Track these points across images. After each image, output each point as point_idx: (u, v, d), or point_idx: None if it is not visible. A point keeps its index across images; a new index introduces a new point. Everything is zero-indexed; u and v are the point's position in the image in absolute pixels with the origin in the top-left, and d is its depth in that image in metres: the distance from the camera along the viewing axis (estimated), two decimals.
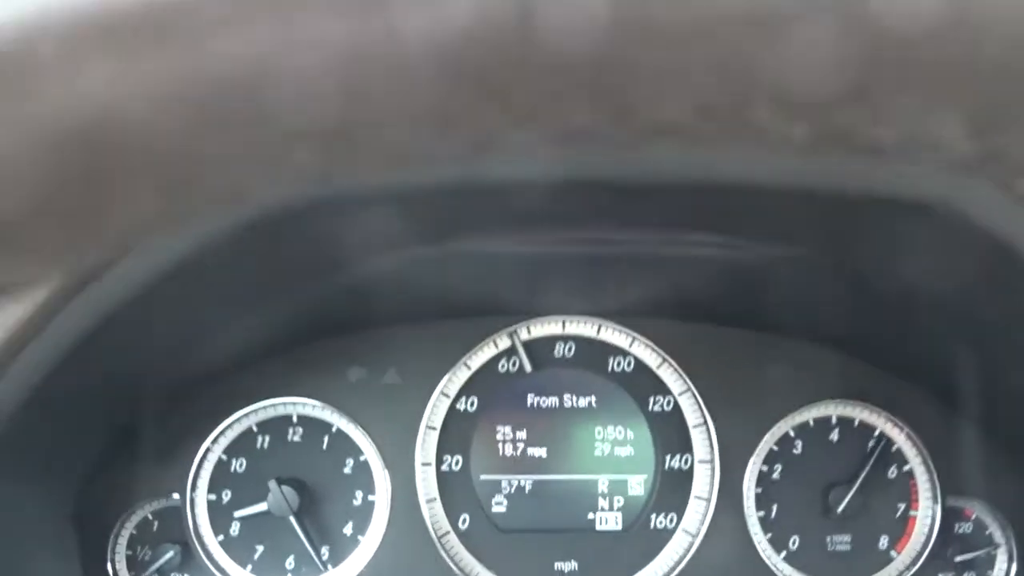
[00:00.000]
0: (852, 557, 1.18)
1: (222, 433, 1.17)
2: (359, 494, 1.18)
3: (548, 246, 1.08)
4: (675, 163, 0.67)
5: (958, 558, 1.17)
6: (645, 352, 1.21)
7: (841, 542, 1.18)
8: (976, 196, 0.69)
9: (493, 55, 0.22)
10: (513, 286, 1.19)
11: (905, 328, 1.12)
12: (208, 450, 1.17)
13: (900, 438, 1.20)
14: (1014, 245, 0.72)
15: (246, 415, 1.18)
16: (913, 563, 1.17)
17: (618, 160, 0.64)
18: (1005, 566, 1.17)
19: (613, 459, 1.21)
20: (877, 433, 1.19)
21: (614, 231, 0.86)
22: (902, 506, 1.19)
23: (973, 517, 1.19)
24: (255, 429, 1.18)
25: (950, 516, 1.18)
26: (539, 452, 1.21)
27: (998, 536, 1.18)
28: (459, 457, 1.20)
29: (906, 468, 1.19)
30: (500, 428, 1.21)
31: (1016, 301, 0.84)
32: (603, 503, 1.20)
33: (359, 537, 1.17)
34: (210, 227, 0.71)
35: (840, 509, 1.16)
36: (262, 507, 1.15)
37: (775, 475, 1.19)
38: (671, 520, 1.20)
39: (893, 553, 1.18)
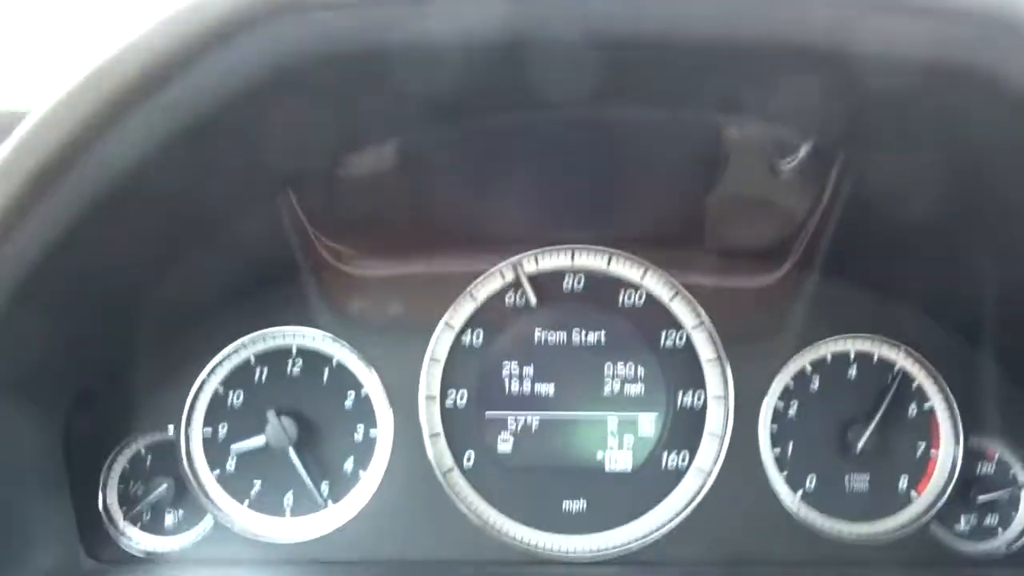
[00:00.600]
0: (870, 497, 1.14)
1: (219, 365, 1.13)
2: (360, 429, 1.14)
3: (560, 170, 1.04)
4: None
5: (980, 499, 1.13)
6: (657, 285, 1.17)
7: (859, 481, 1.14)
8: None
9: None
10: (522, 214, 1.16)
11: (927, 262, 1.08)
12: (204, 382, 1.13)
13: (921, 375, 1.16)
14: None
15: (244, 346, 1.14)
16: (933, 504, 1.13)
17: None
18: None
19: (623, 397, 1.17)
20: (897, 369, 1.15)
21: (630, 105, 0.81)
22: (922, 445, 1.15)
23: (996, 457, 1.15)
24: (253, 361, 1.14)
25: (972, 456, 1.14)
26: (546, 389, 1.17)
27: (1022, 477, 1.14)
28: (464, 392, 1.16)
29: (927, 406, 1.15)
30: (506, 363, 1.16)
31: None
32: (612, 442, 1.16)
33: (360, 473, 1.13)
34: (225, 75, 0.66)
35: (859, 447, 1.12)
36: (260, 440, 1.10)
37: (791, 412, 1.15)
38: (683, 459, 1.15)
39: (913, 494, 1.14)
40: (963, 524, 1.14)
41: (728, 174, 1.08)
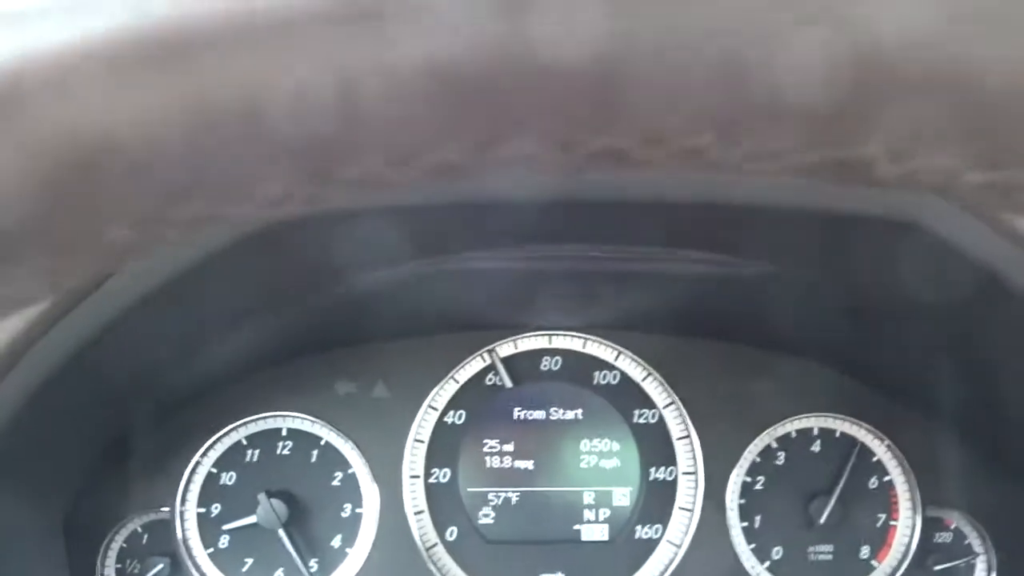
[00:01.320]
0: (834, 566, 1.20)
1: (212, 447, 1.19)
2: (347, 506, 1.19)
3: (538, 263, 1.10)
4: (668, 183, 0.69)
5: (938, 567, 1.19)
6: (630, 366, 1.23)
7: (823, 552, 1.20)
8: (956, 220, 0.72)
9: (488, 71, 0.23)
10: (502, 302, 1.21)
11: (887, 343, 1.14)
12: (198, 463, 1.18)
13: (880, 450, 1.22)
14: (994, 267, 0.75)
15: (235, 429, 1.19)
16: (894, 572, 1.19)
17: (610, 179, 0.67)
18: (984, 573, 1.19)
19: (599, 471, 1.22)
20: (858, 445, 1.22)
21: (604, 247, 0.88)
22: (883, 516, 1.21)
23: (953, 527, 1.21)
24: (245, 443, 1.19)
25: (930, 526, 1.20)
26: (526, 464, 1.22)
27: (977, 546, 1.20)
28: (447, 470, 1.21)
29: (886, 479, 1.21)
30: (487, 441, 1.22)
31: (997, 318, 0.87)
32: (589, 514, 1.22)
33: (347, 549, 1.18)
34: (204, 244, 0.73)
35: (822, 519, 1.18)
36: (251, 520, 1.16)
37: (758, 486, 1.21)
38: (656, 531, 1.21)
39: (874, 562, 1.20)
40: None
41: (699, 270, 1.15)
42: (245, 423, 1.19)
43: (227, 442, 1.19)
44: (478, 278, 1.15)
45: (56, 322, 0.74)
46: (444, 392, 1.21)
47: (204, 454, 1.18)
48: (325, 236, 0.74)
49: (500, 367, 1.20)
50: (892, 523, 1.21)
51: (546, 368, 1.23)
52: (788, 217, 0.74)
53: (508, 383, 1.21)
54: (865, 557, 1.20)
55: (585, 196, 0.70)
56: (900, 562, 1.19)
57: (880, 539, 1.21)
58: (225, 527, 1.17)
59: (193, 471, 1.18)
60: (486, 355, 1.21)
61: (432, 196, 0.67)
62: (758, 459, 1.22)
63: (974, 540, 1.21)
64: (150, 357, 0.91)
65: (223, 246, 0.74)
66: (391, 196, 0.68)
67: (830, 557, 1.20)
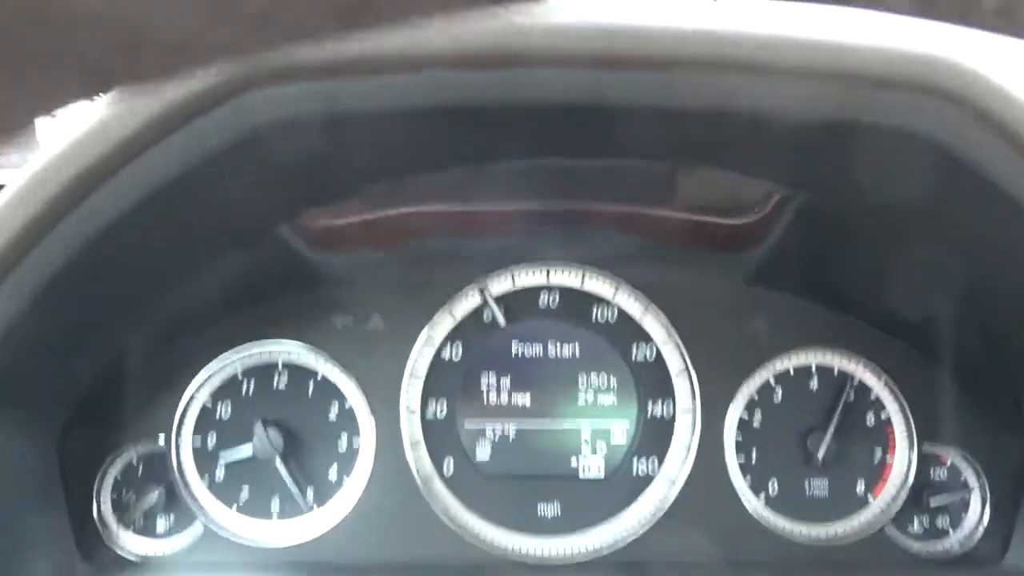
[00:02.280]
0: (830, 501, 1.20)
1: (207, 379, 1.18)
2: (344, 439, 1.19)
3: (535, 191, 1.09)
4: (678, 89, 0.68)
5: (933, 502, 1.19)
6: (628, 302, 1.22)
7: (819, 487, 1.20)
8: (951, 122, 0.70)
9: None
10: (499, 234, 1.20)
11: (884, 278, 1.14)
12: (193, 395, 1.18)
13: (878, 386, 1.22)
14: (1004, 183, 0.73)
15: (231, 361, 1.18)
16: (889, 507, 1.19)
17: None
18: (979, 509, 1.20)
19: (596, 407, 1.22)
20: (856, 381, 1.21)
21: (604, 157, 0.86)
22: (879, 452, 1.21)
23: (948, 463, 1.22)
24: (240, 375, 1.19)
25: (926, 462, 1.21)
26: (523, 400, 1.22)
27: (972, 481, 1.21)
28: (444, 404, 1.21)
29: (884, 415, 1.21)
30: (484, 376, 1.22)
31: (1000, 240, 0.86)
32: (586, 450, 1.22)
33: (344, 480, 1.18)
34: (192, 148, 0.71)
35: (819, 455, 1.18)
36: (247, 450, 1.16)
37: (755, 422, 1.21)
38: (652, 466, 1.21)
39: (870, 497, 1.20)
40: (916, 526, 1.21)
41: (698, 198, 1.14)
42: (240, 355, 1.18)
43: (222, 375, 1.18)
44: (476, 206, 1.14)
45: (47, 231, 0.73)
46: (441, 327, 1.21)
47: (200, 386, 1.18)
48: (319, 138, 0.72)
49: (492, 304, 1.20)
50: (888, 459, 1.21)
51: (544, 305, 1.23)
52: (791, 128, 0.72)
53: (501, 321, 1.20)
54: (861, 492, 1.20)
55: (590, 101, 0.69)
56: (895, 497, 1.20)
57: (876, 475, 1.21)
58: (221, 458, 1.17)
59: (188, 403, 1.18)
60: (480, 292, 1.20)
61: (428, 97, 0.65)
62: (756, 396, 1.21)
63: (969, 476, 1.21)
64: (144, 273, 0.89)
65: (208, 155, 0.72)
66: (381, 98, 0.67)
67: (826, 492, 1.20)
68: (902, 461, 1.21)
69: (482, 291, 1.21)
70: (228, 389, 1.18)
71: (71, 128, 0.72)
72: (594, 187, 1.13)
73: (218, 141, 0.71)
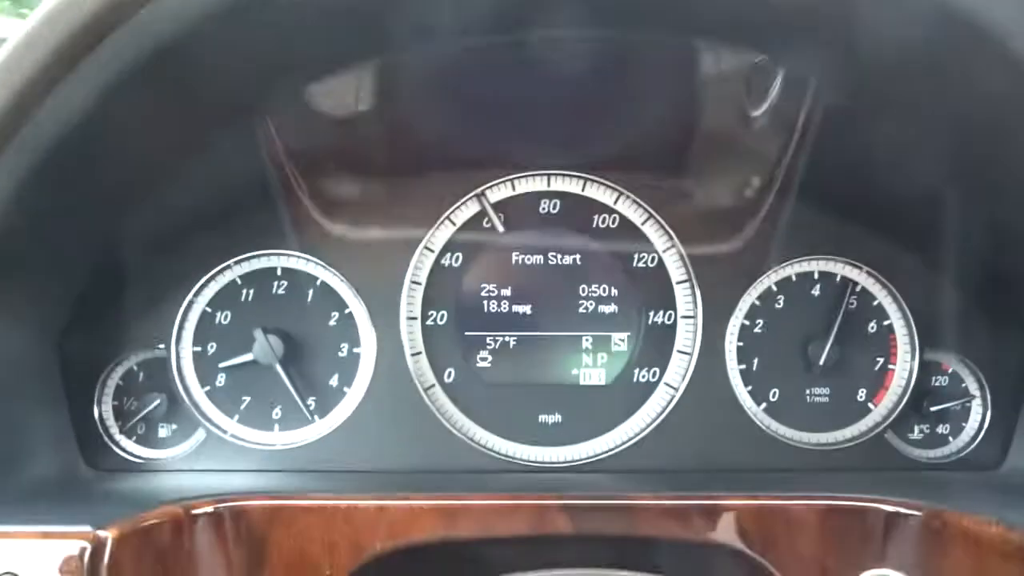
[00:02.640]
0: (831, 408, 1.20)
1: (205, 285, 1.17)
2: (344, 346, 1.18)
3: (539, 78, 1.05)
4: None
5: (933, 409, 1.19)
6: (630, 209, 1.21)
7: (820, 394, 1.20)
8: None
9: None
10: (499, 138, 1.18)
11: (890, 189, 1.12)
12: (192, 302, 1.17)
13: (881, 294, 1.21)
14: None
15: (229, 267, 1.17)
16: (889, 414, 1.20)
17: None
18: (980, 415, 1.20)
19: (597, 316, 1.22)
20: (859, 288, 1.21)
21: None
22: (881, 360, 1.21)
23: (950, 371, 1.22)
24: (239, 282, 1.18)
25: (927, 369, 1.21)
26: (523, 309, 1.22)
27: (973, 388, 1.21)
28: (444, 312, 1.20)
29: (886, 323, 1.21)
30: (484, 285, 1.21)
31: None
32: (587, 359, 1.22)
33: (345, 388, 1.18)
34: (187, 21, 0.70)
35: (820, 361, 1.18)
36: (248, 357, 1.15)
37: (757, 329, 1.21)
38: (654, 374, 1.21)
39: (871, 405, 1.20)
40: (916, 432, 1.21)
41: (703, 102, 1.11)
42: (239, 261, 1.17)
43: (221, 281, 1.17)
44: (475, 111, 1.12)
45: (43, 96, 0.71)
46: (440, 234, 1.20)
47: (198, 293, 1.17)
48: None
49: (490, 211, 1.18)
50: (890, 367, 1.21)
51: (544, 211, 1.21)
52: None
53: (500, 228, 1.19)
54: (862, 399, 1.21)
55: None
56: (896, 404, 1.20)
57: (877, 382, 1.21)
58: (222, 365, 1.17)
59: (187, 310, 1.17)
60: (478, 199, 1.19)
61: None
62: (757, 302, 1.21)
63: (970, 383, 1.21)
64: (133, 153, 0.87)
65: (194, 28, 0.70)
66: None
67: (827, 399, 1.20)
68: (903, 368, 1.20)
69: (480, 197, 1.19)
70: (227, 297, 1.18)
71: None
72: (604, 89, 1.11)
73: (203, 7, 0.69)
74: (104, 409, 1.16)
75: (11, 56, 0.69)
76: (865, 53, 0.80)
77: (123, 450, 1.16)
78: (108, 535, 0.79)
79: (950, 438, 1.21)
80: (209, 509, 0.92)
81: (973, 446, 1.20)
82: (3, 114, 0.70)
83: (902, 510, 0.92)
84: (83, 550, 0.77)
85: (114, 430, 1.16)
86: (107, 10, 0.67)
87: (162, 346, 1.17)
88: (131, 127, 0.79)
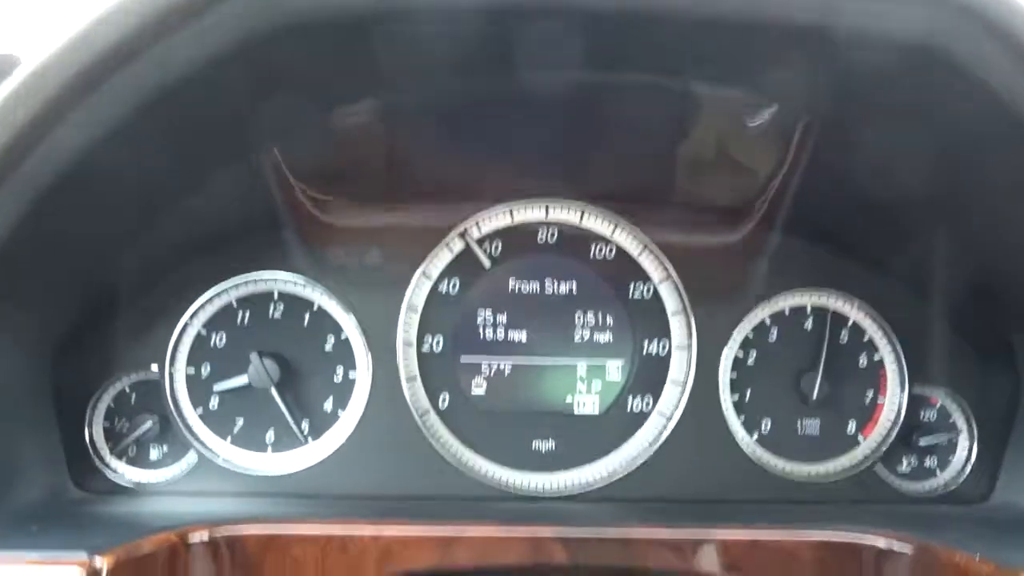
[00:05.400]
0: (821, 440, 1.21)
1: (201, 307, 1.17)
2: (340, 371, 1.18)
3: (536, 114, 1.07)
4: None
5: (922, 442, 1.21)
6: (627, 239, 1.22)
7: (811, 426, 1.22)
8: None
9: None
10: (498, 169, 1.19)
11: (881, 222, 1.14)
12: (187, 324, 1.17)
13: (871, 328, 1.23)
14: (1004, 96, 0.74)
15: (226, 290, 1.17)
16: (879, 447, 1.21)
17: None
18: (967, 449, 1.22)
19: (592, 344, 1.22)
20: (851, 323, 1.22)
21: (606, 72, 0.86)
22: (871, 393, 1.23)
23: (938, 405, 1.23)
24: (235, 304, 1.18)
25: (916, 403, 1.22)
26: (519, 336, 1.22)
27: (960, 422, 1.23)
28: (440, 338, 1.21)
29: (876, 357, 1.23)
30: (481, 311, 1.21)
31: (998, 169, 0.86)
32: (581, 387, 1.22)
33: (339, 412, 1.18)
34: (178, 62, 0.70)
35: (813, 395, 1.19)
36: (243, 380, 1.15)
37: (750, 361, 1.22)
38: (647, 403, 1.22)
39: (860, 437, 1.22)
40: (905, 465, 1.23)
41: (696, 131, 1.13)
42: (235, 284, 1.17)
43: (217, 303, 1.17)
44: (474, 142, 1.13)
45: (49, 129, 0.71)
46: (438, 261, 1.20)
47: (193, 315, 1.17)
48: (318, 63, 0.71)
49: (476, 248, 1.19)
50: (880, 400, 1.22)
51: (542, 240, 1.22)
52: (807, 37, 0.72)
53: (486, 263, 1.20)
54: (852, 432, 1.22)
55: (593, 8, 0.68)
56: (885, 437, 1.21)
57: (867, 415, 1.22)
58: (216, 388, 1.16)
59: (182, 331, 1.16)
60: (461, 237, 1.20)
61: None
62: (751, 335, 1.22)
63: (958, 417, 1.23)
64: (138, 185, 0.87)
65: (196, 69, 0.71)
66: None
67: (817, 431, 1.22)
68: (893, 402, 1.22)
69: (463, 235, 1.20)
70: (223, 319, 1.17)
71: (71, 27, 0.70)
72: (599, 118, 1.12)
73: (214, 46, 0.70)
74: (95, 431, 1.15)
75: (20, 88, 0.69)
76: (848, 87, 0.82)
77: (114, 472, 1.15)
78: (103, 563, 0.78)
79: (937, 471, 1.23)
80: (204, 535, 0.91)
81: (961, 480, 1.21)
82: (7, 146, 0.70)
83: (895, 545, 0.94)
84: None
85: (104, 452, 1.15)
86: (113, 50, 0.67)
87: (155, 367, 1.16)
88: (133, 162, 0.79)
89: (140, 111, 0.73)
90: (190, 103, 0.76)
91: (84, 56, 0.69)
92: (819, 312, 1.23)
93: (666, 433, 1.20)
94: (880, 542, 0.94)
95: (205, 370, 1.17)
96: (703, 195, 1.20)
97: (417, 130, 1.08)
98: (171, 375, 1.16)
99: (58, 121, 0.71)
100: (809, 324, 1.23)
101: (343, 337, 1.18)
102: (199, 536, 0.91)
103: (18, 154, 0.72)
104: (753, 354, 1.22)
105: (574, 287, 1.22)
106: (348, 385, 1.18)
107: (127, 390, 1.16)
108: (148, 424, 1.14)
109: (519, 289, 1.22)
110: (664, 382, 1.22)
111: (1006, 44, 0.70)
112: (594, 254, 1.23)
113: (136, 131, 0.75)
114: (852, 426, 1.22)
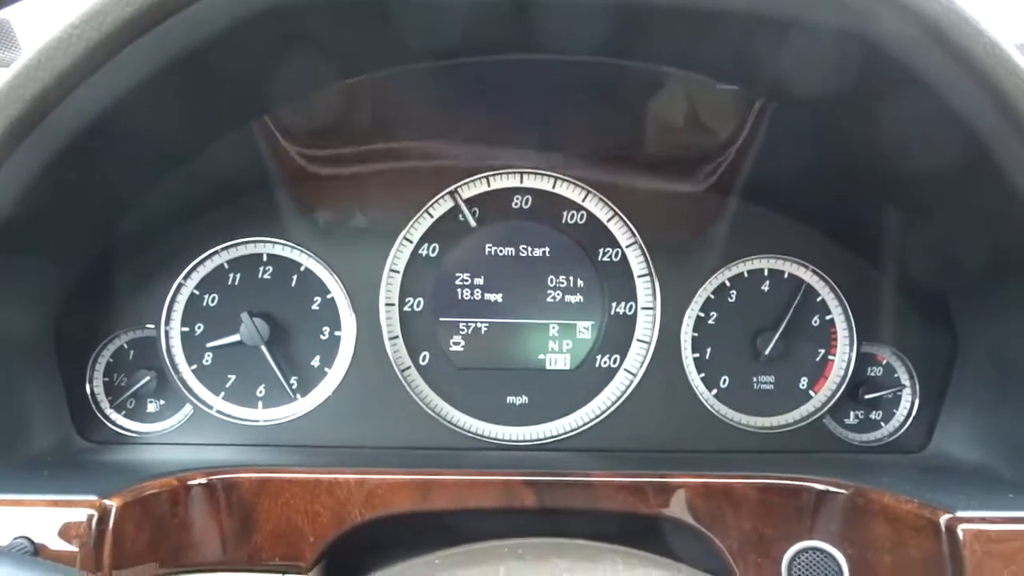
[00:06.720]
0: (775, 395, 1.31)
1: (194, 269, 1.23)
2: (326, 330, 1.26)
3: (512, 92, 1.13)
4: None
5: (868, 397, 1.31)
6: (597, 206, 1.29)
7: (766, 382, 1.31)
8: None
9: None
10: (477, 140, 1.26)
11: (833, 193, 1.22)
12: (181, 285, 1.23)
13: (824, 290, 1.31)
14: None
15: (217, 252, 1.24)
16: (828, 401, 1.31)
17: None
18: (909, 403, 1.31)
19: (564, 305, 1.30)
20: (804, 285, 1.31)
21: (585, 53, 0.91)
22: (822, 351, 1.32)
23: (884, 362, 1.33)
24: (227, 266, 1.24)
25: (864, 360, 1.32)
26: (495, 297, 1.30)
27: (904, 378, 1.32)
28: (420, 299, 1.28)
29: (828, 317, 1.32)
30: (459, 274, 1.29)
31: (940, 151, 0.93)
32: (553, 345, 1.31)
33: (326, 369, 1.25)
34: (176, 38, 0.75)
35: (767, 352, 1.28)
36: (235, 337, 1.22)
37: (711, 321, 1.31)
38: (615, 360, 1.30)
39: (811, 392, 1.31)
40: (852, 418, 1.32)
41: (670, 83, 1.19)
42: (227, 247, 1.23)
43: (209, 265, 1.24)
44: (456, 113, 1.19)
45: (64, 96, 0.76)
46: (419, 225, 1.27)
47: (187, 276, 1.23)
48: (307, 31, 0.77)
49: (463, 207, 1.26)
50: (830, 357, 1.32)
51: (517, 206, 1.29)
52: (759, 26, 0.78)
53: (472, 223, 1.27)
54: (804, 387, 1.31)
55: None
56: (835, 392, 1.31)
57: (818, 372, 1.32)
58: (209, 345, 1.23)
59: (176, 292, 1.23)
60: (452, 195, 1.27)
61: None
62: (712, 296, 1.31)
63: (902, 374, 1.32)
64: (139, 155, 0.93)
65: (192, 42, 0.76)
66: None
67: (772, 387, 1.31)
68: (842, 359, 1.31)
69: (453, 194, 1.27)
70: (215, 279, 1.24)
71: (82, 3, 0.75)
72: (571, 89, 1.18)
73: (245, 7, 0.75)
74: (96, 385, 1.22)
75: (43, 52, 0.74)
76: (793, 73, 0.89)
77: (114, 424, 1.22)
78: (112, 504, 0.86)
79: (882, 423, 1.33)
80: (203, 480, 0.99)
81: (902, 431, 1.31)
82: (29, 106, 0.75)
83: (831, 488, 1.03)
84: (90, 517, 0.84)
85: (105, 405, 1.22)
86: (147, 9, 0.72)
87: (151, 325, 1.23)
88: (153, 120, 0.85)
89: (167, 70, 0.78)
90: (217, 64, 0.81)
91: (117, 14, 0.73)
92: (776, 275, 1.31)
93: (632, 388, 1.29)
94: (818, 485, 1.04)
95: (199, 328, 1.24)
96: (667, 166, 1.27)
97: (401, 103, 1.14)
98: (167, 333, 1.23)
99: (90, 74, 0.76)
100: (767, 287, 1.31)
101: (329, 297, 1.26)
102: (198, 480, 0.99)
103: (47, 105, 0.76)
104: (714, 315, 1.31)
105: (547, 251, 1.30)
106: (334, 343, 1.26)
107: (125, 347, 1.23)
108: (146, 379, 1.22)
109: (495, 252, 1.30)
110: (631, 341, 1.30)
111: (935, 38, 0.77)
112: (566, 220, 1.30)
113: (159, 90, 0.80)
114: (804, 382, 1.32)
